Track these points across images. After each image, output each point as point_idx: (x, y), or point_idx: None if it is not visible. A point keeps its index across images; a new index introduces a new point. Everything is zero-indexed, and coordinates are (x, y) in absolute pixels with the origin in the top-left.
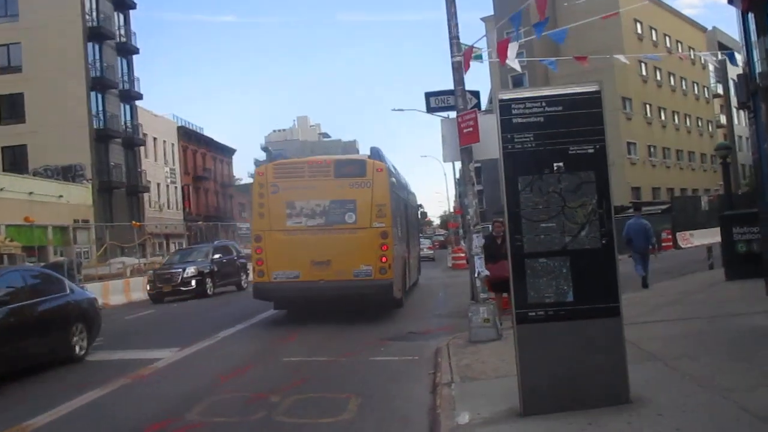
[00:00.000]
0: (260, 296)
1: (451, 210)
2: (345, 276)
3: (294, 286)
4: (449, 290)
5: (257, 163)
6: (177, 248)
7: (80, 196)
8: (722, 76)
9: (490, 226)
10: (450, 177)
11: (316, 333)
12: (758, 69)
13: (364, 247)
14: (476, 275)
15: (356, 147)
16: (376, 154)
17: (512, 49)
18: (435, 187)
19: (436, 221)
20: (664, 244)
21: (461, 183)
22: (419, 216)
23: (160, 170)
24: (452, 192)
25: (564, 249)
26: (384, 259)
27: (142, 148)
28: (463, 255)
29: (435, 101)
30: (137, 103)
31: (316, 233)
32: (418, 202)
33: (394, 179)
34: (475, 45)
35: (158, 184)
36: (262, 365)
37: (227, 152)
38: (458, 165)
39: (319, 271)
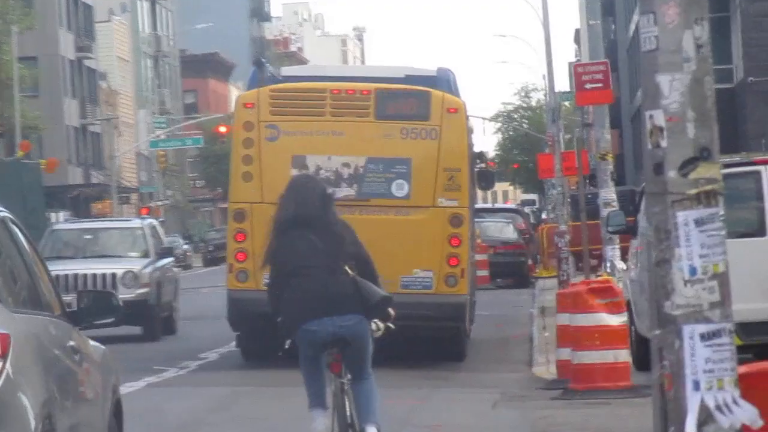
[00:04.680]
0: (240, 316)
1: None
2: (387, 287)
3: None
4: None
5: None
6: None
7: None
8: None
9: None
10: None
11: None
12: None
13: (423, 239)
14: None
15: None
16: (445, 80)
17: None
18: None
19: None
20: None
21: None
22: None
23: None
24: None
25: None
26: (454, 262)
27: None
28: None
29: None
30: None
31: (342, 212)
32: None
33: (471, 124)
34: None
35: None
36: None
37: None
38: None
39: None
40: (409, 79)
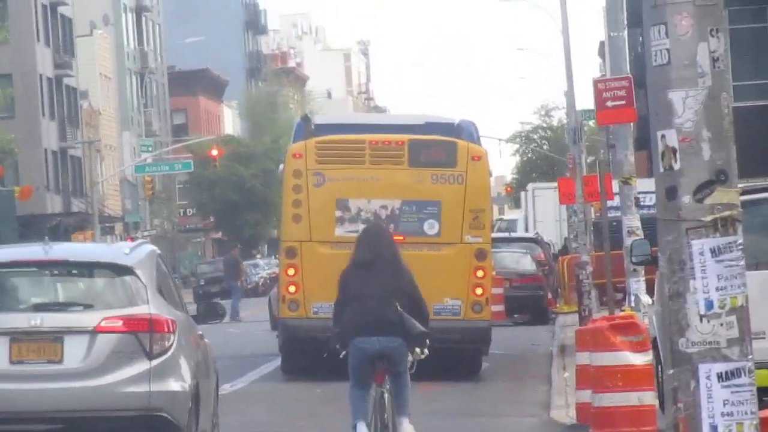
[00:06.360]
0: (291, 340)
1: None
2: None
3: None
4: None
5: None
6: None
7: None
8: None
9: None
10: None
11: None
12: None
13: (451, 271)
14: None
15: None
16: (468, 132)
17: None
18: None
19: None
20: None
21: None
22: None
23: None
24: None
25: None
26: (479, 291)
27: None
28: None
29: None
30: None
31: None
32: None
33: (491, 169)
34: None
35: None
36: None
37: None
38: None
39: None
40: (428, 125)
